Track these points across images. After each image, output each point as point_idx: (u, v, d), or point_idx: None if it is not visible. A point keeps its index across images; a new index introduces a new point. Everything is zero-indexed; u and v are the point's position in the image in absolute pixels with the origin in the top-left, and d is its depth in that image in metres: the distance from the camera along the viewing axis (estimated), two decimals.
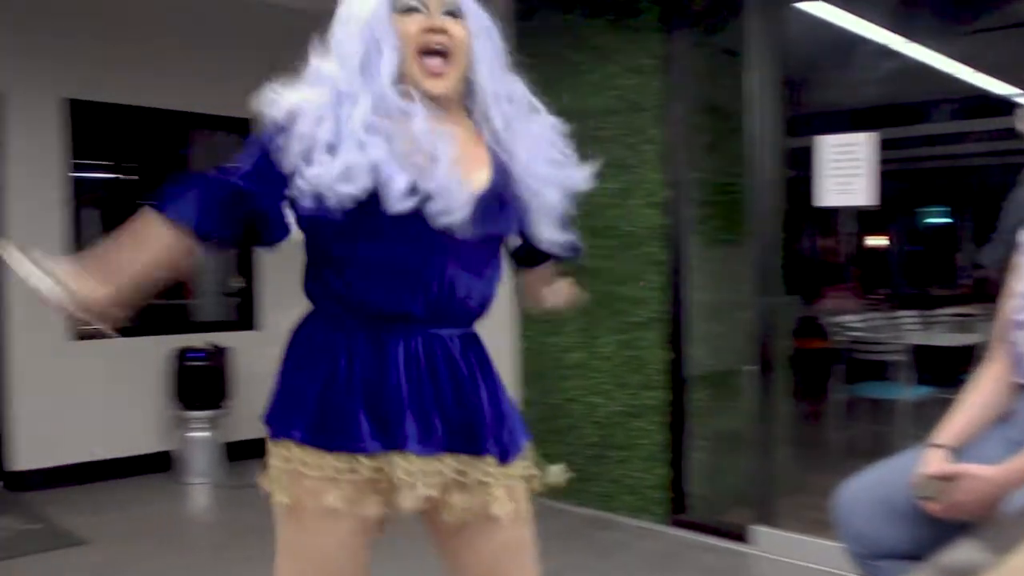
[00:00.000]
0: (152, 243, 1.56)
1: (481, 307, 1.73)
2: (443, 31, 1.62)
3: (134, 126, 5.70)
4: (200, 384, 5.33)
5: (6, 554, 4.06)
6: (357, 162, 1.52)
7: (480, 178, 1.66)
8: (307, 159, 1.54)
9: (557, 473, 1.85)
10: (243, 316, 5.94)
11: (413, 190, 1.54)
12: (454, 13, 1.65)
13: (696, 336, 4.35)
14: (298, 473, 1.60)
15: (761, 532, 3.98)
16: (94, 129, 5.39)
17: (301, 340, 1.69)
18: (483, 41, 1.69)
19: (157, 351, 5.42)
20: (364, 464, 1.59)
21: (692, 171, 4.33)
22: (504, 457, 1.71)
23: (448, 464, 1.63)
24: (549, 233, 1.78)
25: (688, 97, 4.31)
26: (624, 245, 4.42)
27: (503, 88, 1.72)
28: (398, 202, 1.53)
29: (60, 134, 5.18)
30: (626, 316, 4.43)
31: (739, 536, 4.04)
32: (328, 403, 1.59)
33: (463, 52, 1.65)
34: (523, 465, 1.77)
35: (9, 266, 1.48)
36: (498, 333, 4.99)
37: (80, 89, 5.21)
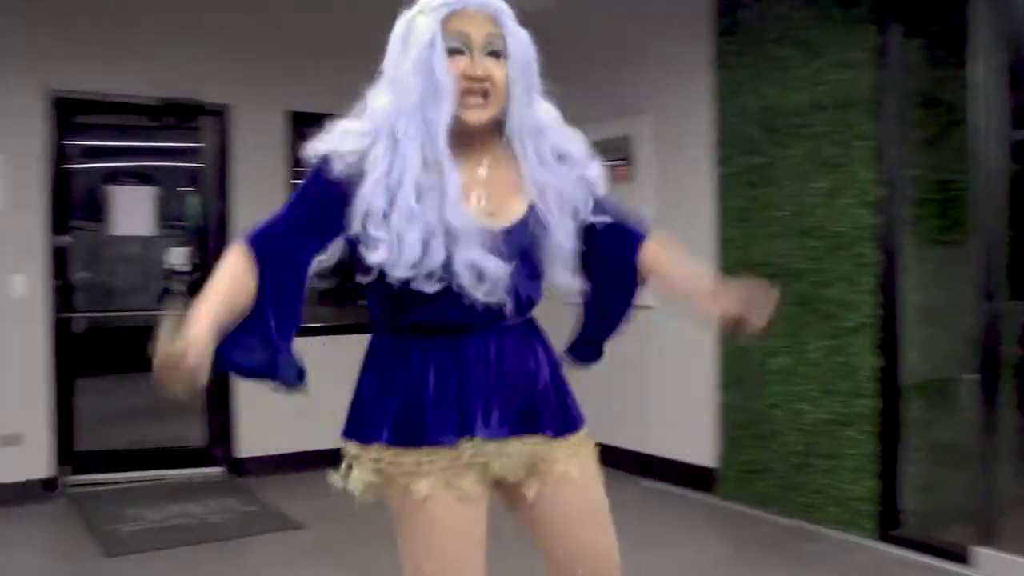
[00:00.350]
0: (241, 289, 1.64)
1: (531, 303, 1.82)
2: (485, 79, 1.68)
3: None
4: None
5: (230, 534, 4.36)
6: (408, 236, 1.63)
7: (519, 207, 1.76)
8: (364, 226, 1.66)
9: None
10: None
11: (446, 266, 1.66)
12: (497, 52, 1.70)
13: (911, 342, 4.11)
14: (390, 471, 1.72)
15: (984, 553, 3.71)
16: (312, 138, 5.70)
17: (376, 354, 1.81)
18: (521, 81, 1.73)
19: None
20: (442, 454, 1.70)
21: (907, 168, 4.10)
22: (566, 431, 1.82)
23: (519, 444, 1.75)
24: (559, 277, 1.84)
25: (903, 90, 4.08)
26: (833, 246, 4.23)
27: (535, 127, 1.78)
28: (429, 286, 1.66)
29: (283, 144, 5.53)
30: (835, 320, 4.24)
31: (959, 557, 3.78)
32: (406, 406, 1.72)
33: (504, 90, 1.71)
34: (584, 437, 1.86)
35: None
36: (697, 336, 4.91)
37: (300, 102, 5.54)
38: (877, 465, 4.10)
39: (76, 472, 5.20)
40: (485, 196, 1.73)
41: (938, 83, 4.12)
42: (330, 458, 6.36)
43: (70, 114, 5.13)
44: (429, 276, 1.65)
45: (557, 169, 1.79)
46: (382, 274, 1.67)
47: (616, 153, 5.37)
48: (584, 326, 2.03)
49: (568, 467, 1.79)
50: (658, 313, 5.27)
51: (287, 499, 4.87)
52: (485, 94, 1.69)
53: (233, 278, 1.64)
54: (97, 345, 5.40)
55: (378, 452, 1.73)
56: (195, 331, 1.50)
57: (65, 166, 5.17)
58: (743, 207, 4.66)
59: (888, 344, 4.08)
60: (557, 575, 1.86)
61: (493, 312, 1.71)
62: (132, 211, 5.35)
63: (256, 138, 5.45)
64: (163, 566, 3.94)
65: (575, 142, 1.83)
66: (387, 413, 1.73)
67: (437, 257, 1.64)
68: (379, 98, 1.73)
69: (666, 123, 5.12)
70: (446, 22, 1.67)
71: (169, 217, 5.66)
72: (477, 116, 1.69)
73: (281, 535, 4.35)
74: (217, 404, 5.50)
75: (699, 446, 4.90)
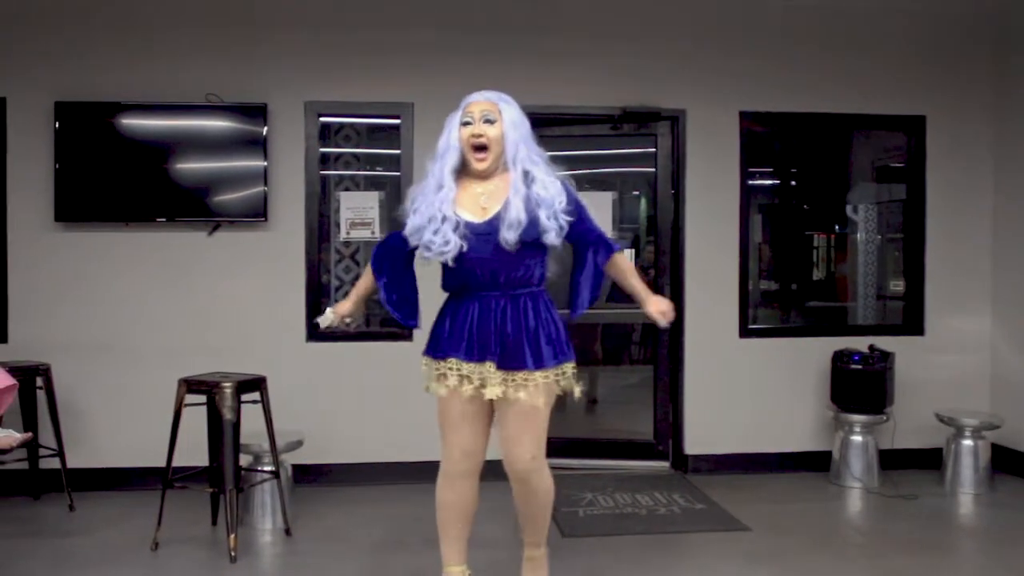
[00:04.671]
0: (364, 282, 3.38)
1: (516, 281, 3.05)
2: (482, 136, 3.02)
3: (797, 133, 5.89)
4: (858, 387, 5.27)
5: (676, 528, 4.47)
6: (423, 224, 3.05)
7: (495, 210, 3.03)
8: (407, 223, 3.14)
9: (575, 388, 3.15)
10: (908, 320, 5.74)
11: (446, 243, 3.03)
12: (490, 120, 3.02)
13: None
14: (433, 370, 3.14)
15: None
16: (763, 138, 5.66)
17: (444, 304, 3.19)
18: (512, 132, 3.03)
19: (818, 352, 5.51)
20: (442, 364, 3.10)
21: None
22: (517, 367, 3.01)
23: (481, 367, 3.03)
24: (551, 240, 3.05)
25: None
26: None
27: (527, 158, 3.05)
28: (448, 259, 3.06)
29: (735, 144, 5.53)
30: None
31: None
32: (438, 335, 3.14)
33: (498, 143, 3.03)
34: (537, 374, 3.02)
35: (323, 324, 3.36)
36: None
37: (755, 102, 5.54)
38: None
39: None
40: (487, 200, 3.04)
41: None
42: (778, 462, 6.25)
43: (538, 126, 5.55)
44: (442, 253, 3.00)
45: (536, 189, 3.01)
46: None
47: None
48: (571, 296, 3.21)
49: (512, 390, 3.00)
50: None
51: (734, 500, 4.89)
52: (484, 148, 3.01)
53: (365, 279, 3.36)
54: None
55: (431, 360, 3.14)
56: (341, 306, 3.34)
57: None
58: None
59: None
60: (502, 445, 3.12)
61: (487, 282, 3.01)
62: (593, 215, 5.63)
63: (709, 140, 5.51)
64: (613, 552, 4.10)
65: (551, 178, 3.06)
66: (436, 339, 3.13)
67: (442, 238, 3.00)
68: (429, 163, 3.15)
69: None
70: (464, 109, 3.06)
71: (623, 220, 5.94)
72: (481, 164, 3.04)
73: (727, 535, 4.35)
74: (665, 402, 5.67)
75: None
